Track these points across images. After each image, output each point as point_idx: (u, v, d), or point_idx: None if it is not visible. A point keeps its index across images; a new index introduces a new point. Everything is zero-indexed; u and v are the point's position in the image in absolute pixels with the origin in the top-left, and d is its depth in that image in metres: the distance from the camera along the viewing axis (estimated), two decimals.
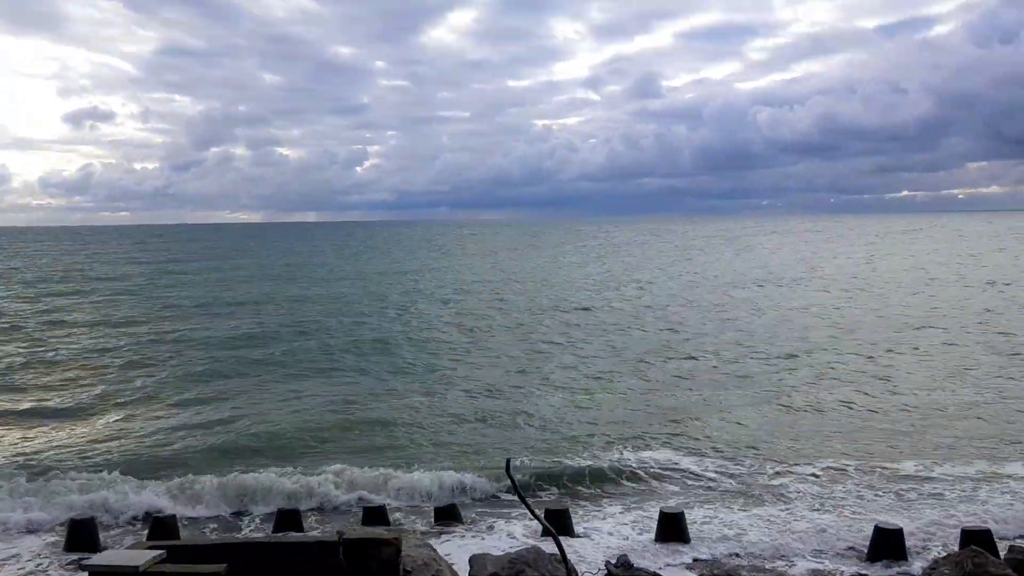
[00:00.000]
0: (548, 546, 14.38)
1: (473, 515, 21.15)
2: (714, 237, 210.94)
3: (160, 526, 20.05)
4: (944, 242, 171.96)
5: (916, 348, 44.59)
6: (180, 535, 18.28)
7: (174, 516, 20.69)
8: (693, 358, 42.48)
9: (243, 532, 19.78)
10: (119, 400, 33.69)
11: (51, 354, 43.48)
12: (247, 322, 55.25)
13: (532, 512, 11.35)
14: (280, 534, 15.10)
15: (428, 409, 32.22)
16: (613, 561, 10.69)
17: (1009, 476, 24.18)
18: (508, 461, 11.35)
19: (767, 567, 17.18)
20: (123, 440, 27.92)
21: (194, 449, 26.78)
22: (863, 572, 14.08)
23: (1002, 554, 13.52)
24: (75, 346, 46.13)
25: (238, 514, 21.29)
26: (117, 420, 30.61)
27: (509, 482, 11.72)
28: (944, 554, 18.95)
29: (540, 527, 19.02)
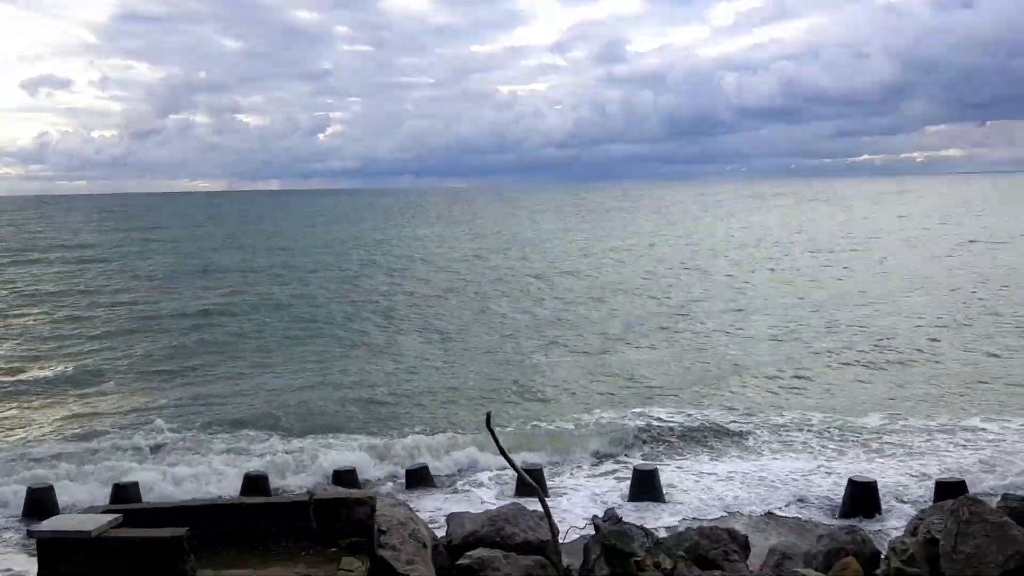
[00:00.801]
0: (529, 504, 13.92)
1: (451, 477, 20.82)
2: (692, 202, 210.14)
3: (121, 493, 19.31)
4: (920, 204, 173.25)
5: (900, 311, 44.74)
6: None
7: (136, 483, 20.01)
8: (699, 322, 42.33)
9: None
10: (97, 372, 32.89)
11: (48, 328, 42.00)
12: (221, 295, 53.88)
13: (513, 465, 10.82)
14: (248, 496, 14.47)
15: (402, 376, 31.79)
16: (600, 515, 10.20)
17: (971, 428, 24.28)
18: (488, 415, 10.79)
19: (741, 526, 16.88)
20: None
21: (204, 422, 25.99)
22: (845, 526, 13.70)
23: (994, 503, 13.25)
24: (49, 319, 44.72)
25: None
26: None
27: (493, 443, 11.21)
28: (925, 506, 18.96)
29: (516, 489, 18.61)
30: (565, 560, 11.27)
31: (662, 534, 12.28)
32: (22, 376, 31.99)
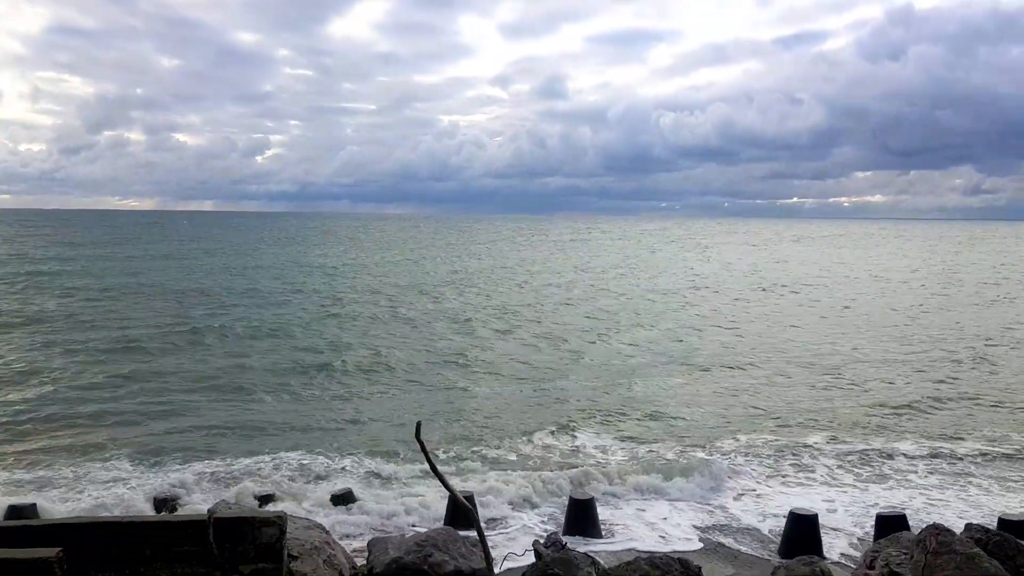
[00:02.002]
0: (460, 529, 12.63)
1: (378, 496, 19.34)
2: (641, 237, 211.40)
3: (14, 516, 17.50)
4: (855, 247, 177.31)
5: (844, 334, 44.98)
6: None
7: (34, 505, 18.28)
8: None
9: None
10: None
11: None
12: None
13: (444, 483, 9.57)
14: (136, 515, 12.88)
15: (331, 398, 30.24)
16: (541, 540, 8.99)
17: (901, 455, 23.92)
18: (418, 424, 9.54)
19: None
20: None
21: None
22: (802, 558, 12.72)
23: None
24: None
25: None
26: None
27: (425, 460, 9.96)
28: (865, 538, 18.26)
29: (447, 515, 17.25)
30: None
31: (611, 563, 11.08)
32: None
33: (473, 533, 10.62)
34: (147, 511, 17.87)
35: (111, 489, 19.37)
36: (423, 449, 9.57)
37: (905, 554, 12.70)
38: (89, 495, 19.09)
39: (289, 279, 75.29)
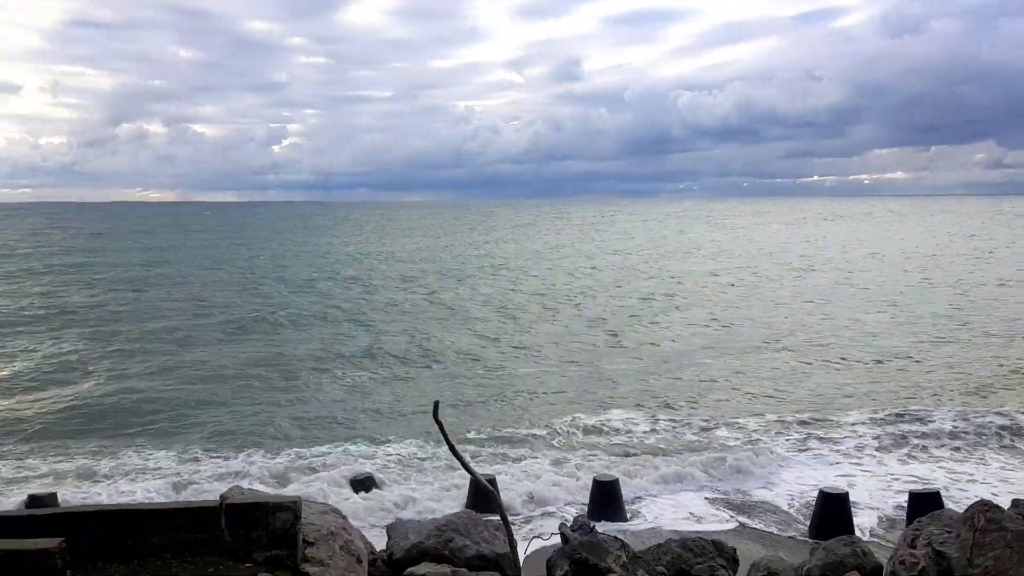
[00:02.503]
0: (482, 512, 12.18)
1: (401, 480, 18.99)
2: (664, 219, 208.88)
3: (35, 505, 17.30)
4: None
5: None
6: None
7: (54, 494, 18.08)
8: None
9: None
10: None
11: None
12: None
13: (464, 464, 9.11)
14: (144, 502, 12.52)
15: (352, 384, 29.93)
16: (568, 523, 8.50)
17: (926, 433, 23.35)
18: (436, 404, 9.06)
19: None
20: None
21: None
22: (843, 538, 12.17)
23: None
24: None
25: None
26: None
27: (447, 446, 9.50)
28: (895, 519, 17.69)
29: (469, 497, 16.85)
30: None
31: (637, 546, 10.58)
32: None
33: (496, 517, 10.16)
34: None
35: (156, 480, 19.10)
36: (442, 429, 9.09)
37: (949, 532, 12.08)
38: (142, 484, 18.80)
39: (324, 268, 75.37)
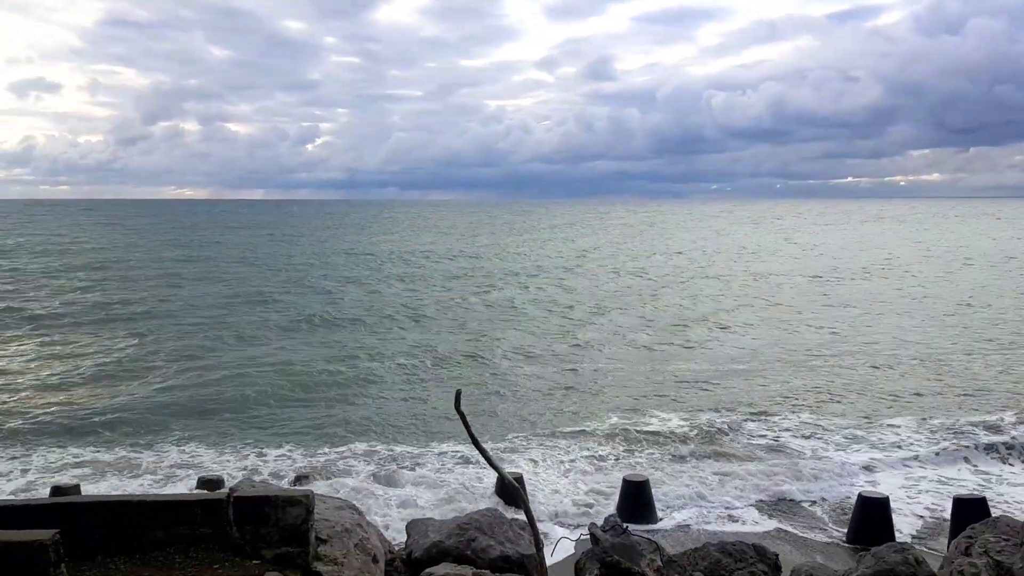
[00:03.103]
0: (507, 511, 11.57)
1: (422, 475, 18.43)
2: (708, 220, 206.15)
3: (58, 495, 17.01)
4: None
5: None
6: None
7: (77, 485, 17.79)
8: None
9: None
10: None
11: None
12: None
13: (487, 458, 8.49)
14: (146, 494, 12.04)
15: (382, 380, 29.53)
16: (599, 523, 7.85)
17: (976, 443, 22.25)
18: (458, 394, 8.46)
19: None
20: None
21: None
22: (894, 544, 11.40)
23: None
24: None
25: None
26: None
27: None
28: (937, 524, 16.83)
29: (498, 487, 16.25)
30: None
31: (670, 548, 9.89)
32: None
33: (521, 515, 9.55)
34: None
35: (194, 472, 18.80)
36: (464, 421, 8.49)
37: (1006, 540, 11.26)
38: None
39: (370, 264, 75.11)
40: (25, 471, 19.29)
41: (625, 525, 7.74)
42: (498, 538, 9.54)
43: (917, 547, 15.83)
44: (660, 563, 8.08)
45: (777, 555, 9.82)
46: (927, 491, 18.77)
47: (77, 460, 20.12)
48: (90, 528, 8.14)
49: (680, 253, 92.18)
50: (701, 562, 9.33)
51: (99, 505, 8.22)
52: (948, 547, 16.00)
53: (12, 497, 12.86)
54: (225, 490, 8.89)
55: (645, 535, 8.07)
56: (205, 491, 11.46)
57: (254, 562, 8.39)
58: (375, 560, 9.00)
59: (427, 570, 8.68)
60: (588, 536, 7.78)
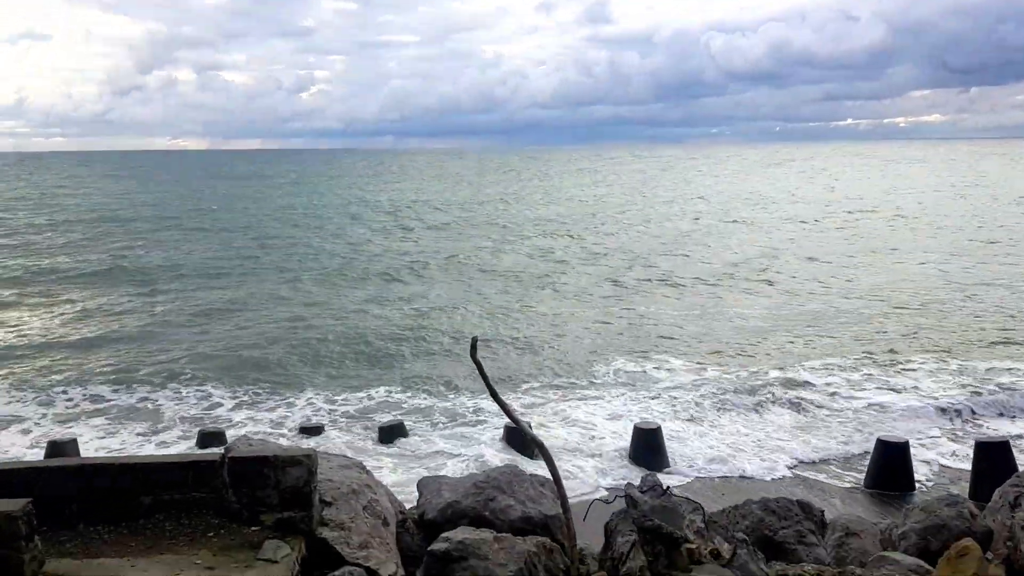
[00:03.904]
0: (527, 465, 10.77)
1: (436, 429, 17.75)
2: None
3: (56, 452, 16.37)
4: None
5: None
6: None
7: (74, 440, 17.15)
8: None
9: None
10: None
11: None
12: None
13: (505, 409, 7.67)
14: (131, 456, 11.26)
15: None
16: (635, 483, 7.02)
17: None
18: (474, 341, 7.59)
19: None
20: None
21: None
22: (944, 496, 10.59)
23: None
24: None
25: None
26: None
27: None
28: (956, 469, 16.16)
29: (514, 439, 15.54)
30: (580, 543, 8.13)
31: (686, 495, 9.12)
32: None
33: (542, 471, 8.74)
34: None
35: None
36: (480, 371, 7.64)
37: None
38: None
39: (395, 213, 74.15)
40: (41, 420, 19.11)
41: (667, 485, 6.90)
42: (519, 497, 8.73)
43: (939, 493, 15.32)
44: (700, 524, 7.28)
45: (823, 511, 9.03)
46: (946, 437, 18.16)
47: (95, 410, 19.96)
48: (67, 495, 7.33)
49: (701, 199, 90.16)
50: (742, 521, 8.55)
51: (76, 470, 7.39)
52: (969, 491, 15.48)
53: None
54: (219, 450, 8.05)
55: (685, 496, 7.26)
56: (198, 451, 10.67)
57: (252, 528, 7.60)
58: (385, 523, 8.21)
59: (443, 534, 7.88)
60: (624, 497, 6.96)
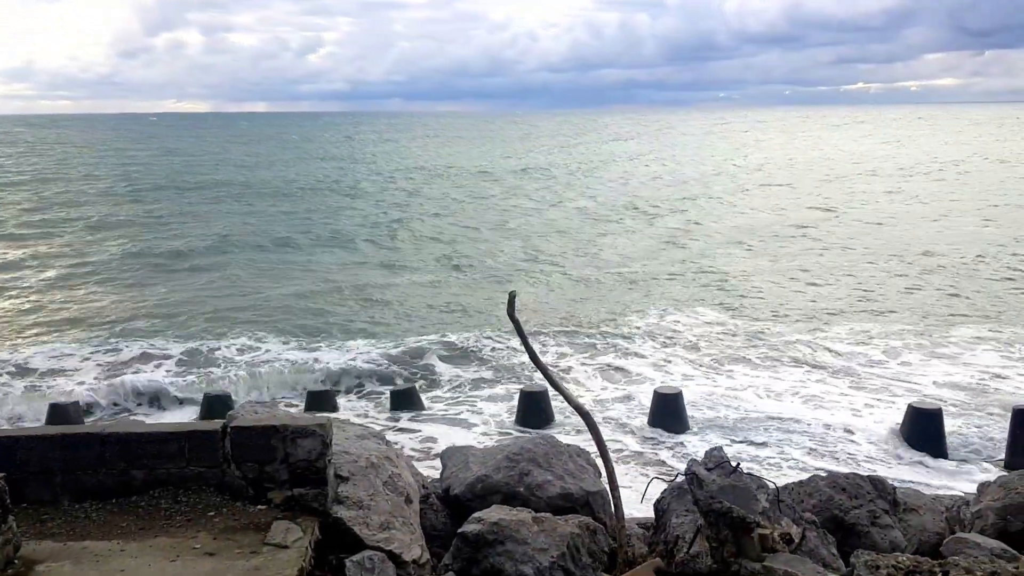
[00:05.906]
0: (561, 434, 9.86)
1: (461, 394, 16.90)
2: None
3: (58, 414, 15.70)
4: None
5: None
6: None
7: (76, 403, 16.54)
8: None
9: None
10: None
11: None
12: None
13: (544, 372, 6.74)
14: (124, 423, 10.38)
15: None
16: (699, 459, 6.08)
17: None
18: (511, 297, 6.63)
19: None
20: None
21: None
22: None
23: None
24: None
25: None
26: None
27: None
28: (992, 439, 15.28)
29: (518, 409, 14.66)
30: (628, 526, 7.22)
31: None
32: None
33: (580, 443, 7.82)
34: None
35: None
36: (518, 330, 6.69)
37: None
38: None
39: (416, 177, 72.83)
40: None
41: (737, 462, 5.96)
42: (556, 471, 7.82)
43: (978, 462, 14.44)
44: (766, 504, 6.35)
45: (895, 488, 8.08)
46: (977, 402, 17.21)
47: (119, 361, 19.88)
48: (50, 468, 6.44)
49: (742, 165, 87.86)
50: (809, 499, 7.61)
51: (60, 439, 6.48)
52: (1005, 458, 14.67)
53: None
54: (220, 420, 7.13)
55: (749, 472, 6.31)
56: (196, 421, 9.78)
57: (259, 507, 6.70)
58: (408, 501, 7.30)
59: (475, 514, 6.97)
60: (686, 475, 6.02)
